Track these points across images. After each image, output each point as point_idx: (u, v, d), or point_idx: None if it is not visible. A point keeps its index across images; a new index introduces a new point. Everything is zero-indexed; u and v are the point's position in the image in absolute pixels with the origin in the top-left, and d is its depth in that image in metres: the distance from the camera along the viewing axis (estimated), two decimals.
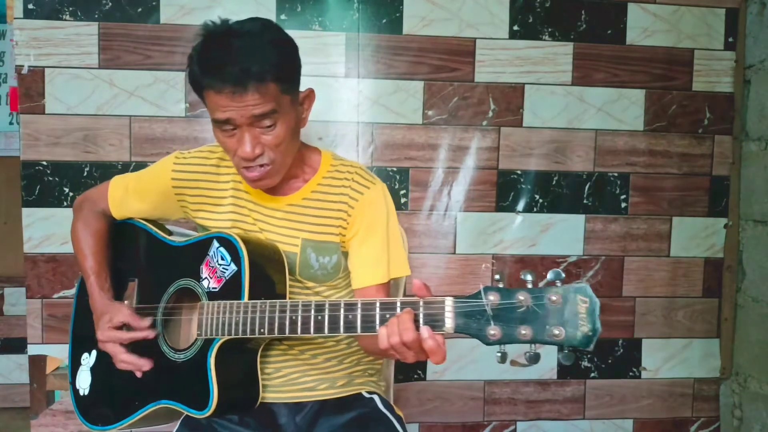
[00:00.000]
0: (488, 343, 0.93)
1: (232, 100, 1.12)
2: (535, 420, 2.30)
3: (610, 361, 2.30)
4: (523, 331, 0.90)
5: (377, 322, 1.03)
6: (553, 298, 0.89)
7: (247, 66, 1.11)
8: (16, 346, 2.71)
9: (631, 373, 2.32)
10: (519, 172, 2.22)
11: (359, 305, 1.05)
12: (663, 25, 2.23)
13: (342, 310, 1.06)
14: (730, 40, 2.26)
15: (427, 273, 2.20)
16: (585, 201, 2.26)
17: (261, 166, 1.19)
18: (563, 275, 0.90)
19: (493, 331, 0.91)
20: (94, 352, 1.38)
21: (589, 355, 2.29)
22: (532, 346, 0.92)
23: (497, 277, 0.94)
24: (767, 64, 2.19)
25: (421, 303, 1.00)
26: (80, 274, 1.44)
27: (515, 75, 2.19)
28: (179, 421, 1.31)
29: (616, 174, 2.26)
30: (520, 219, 2.23)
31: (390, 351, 1.02)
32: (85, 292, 1.38)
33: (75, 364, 1.43)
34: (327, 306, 1.08)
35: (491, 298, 0.92)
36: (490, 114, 2.20)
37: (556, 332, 0.88)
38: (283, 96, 1.17)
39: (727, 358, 2.34)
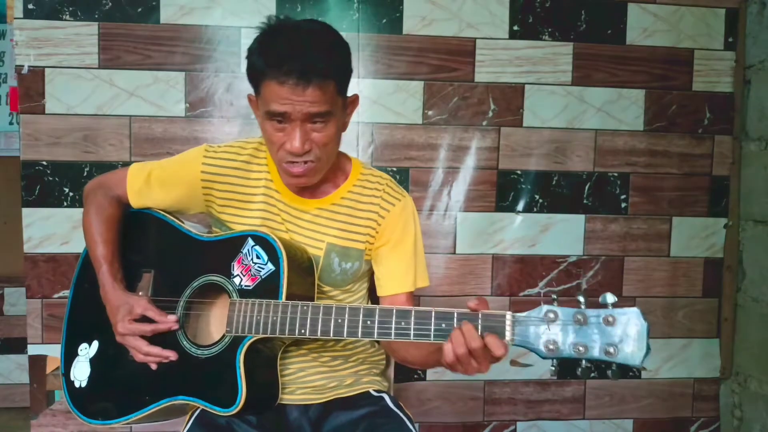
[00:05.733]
0: (544, 357, 1.01)
1: (293, 93, 1.13)
2: (535, 420, 2.30)
3: None
4: (580, 348, 0.98)
5: (432, 330, 1.06)
6: (609, 319, 0.97)
7: (313, 61, 1.12)
8: (16, 346, 2.71)
9: (631, 373, 2.31)
10: (519, 172, 2.22)
11: (413, 313, 1.08)
12: (663, 25, 2.23)
13: (394, 317, 1.09)
14: (730, 40, 2.26)
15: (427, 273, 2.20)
16: (585, 201, 2.26)
17: (305, 162, 1.20)
18: (616, 298, 0.98)
19: (552, 345, 1.00)
20: (95, 343, 1.34)
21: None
22: (584, 361, 1.00)
23: (554, 296, 1.03)
24: (767, 64, 2.19)
25: (480, 315, 1.04)
26: (79, 261, 1.40)
27: (515, 75, 2.19)
28: (191, 420, 1.29)
29: (616, 174, 2.26)
30: (520, 219, 2.23)
31: (455, 364, 1.05)
32: (85, 280, 1.35)
33: (70, 354, 1.37)
34: (377, 312, 1.10)
35: (550, 315, 1.00)
36: (490, 114, 2.20)
37: (611, 350, 0.97)
38: (338, 97, 1.19)
39: (727, 358, 2.34)
